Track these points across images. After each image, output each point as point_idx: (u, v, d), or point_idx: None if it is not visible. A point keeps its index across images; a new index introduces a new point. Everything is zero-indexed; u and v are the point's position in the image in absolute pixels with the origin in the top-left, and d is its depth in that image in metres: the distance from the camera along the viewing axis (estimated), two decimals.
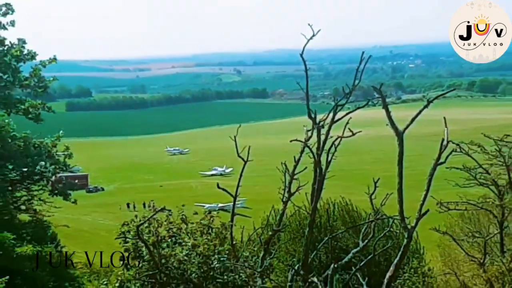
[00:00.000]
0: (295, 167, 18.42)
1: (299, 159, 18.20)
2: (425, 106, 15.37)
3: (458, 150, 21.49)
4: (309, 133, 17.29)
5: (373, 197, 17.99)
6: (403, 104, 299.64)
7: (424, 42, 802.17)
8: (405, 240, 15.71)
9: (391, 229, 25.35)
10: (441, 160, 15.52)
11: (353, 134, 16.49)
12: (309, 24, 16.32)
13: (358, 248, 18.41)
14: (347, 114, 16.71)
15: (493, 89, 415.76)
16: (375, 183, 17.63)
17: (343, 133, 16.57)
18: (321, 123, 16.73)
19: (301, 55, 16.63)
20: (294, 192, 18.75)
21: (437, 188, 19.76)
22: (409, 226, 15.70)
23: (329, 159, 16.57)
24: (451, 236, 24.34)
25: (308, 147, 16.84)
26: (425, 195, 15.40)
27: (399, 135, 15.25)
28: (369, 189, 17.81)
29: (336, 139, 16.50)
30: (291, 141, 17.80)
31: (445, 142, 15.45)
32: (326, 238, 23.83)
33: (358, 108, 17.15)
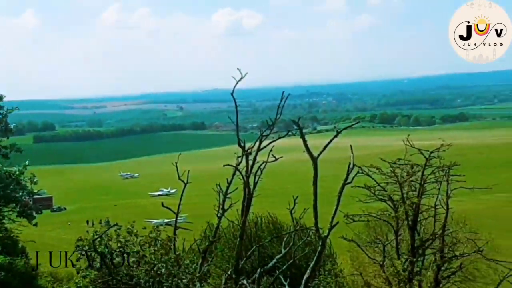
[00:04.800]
0: (227, 187, 18.44)
1: (231, 181, 18.22)
2: (335, 136, 15.63)
3: (361, 172, 21.76)
4: (239, 159, 17.35)
5: (293, 211, 18.11)
6: (318, 134, 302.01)
7: (334, 82, 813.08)
8: (320, 247, 15.87)
9: (309, 238, 25.59)
10: (348, 180, 15.75)
11: (276, 159, 16.62)
12: (238, 69, 16.46)
13: (281, 255, 18.48)
14: (270, 143, 16.84)
15: (391, 121, 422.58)
16: (295, 200, 17.77)
17: (267, 158, 16.68)
18: (249, 150, 16.82)
19: (232, 94, 16.75)
20: (227, 209, 18.77)
21: (347, 203, 19.97)
22: (323, 235, 15.87)
23: (256, 180, 16.66)
24: (356, 242, 24.64)
25: (239, 170, 16.88)
26: (336, 210, 15.62)
27: (314, 160, 15.45)
28: (289, 205, 17.93)
29: (262, 163, 16.60)
30: (224, 166, 17.84)
31: (351, 166, 15.71)
32: (254, 247, 23.84)
33: (280, 137, 17.31)
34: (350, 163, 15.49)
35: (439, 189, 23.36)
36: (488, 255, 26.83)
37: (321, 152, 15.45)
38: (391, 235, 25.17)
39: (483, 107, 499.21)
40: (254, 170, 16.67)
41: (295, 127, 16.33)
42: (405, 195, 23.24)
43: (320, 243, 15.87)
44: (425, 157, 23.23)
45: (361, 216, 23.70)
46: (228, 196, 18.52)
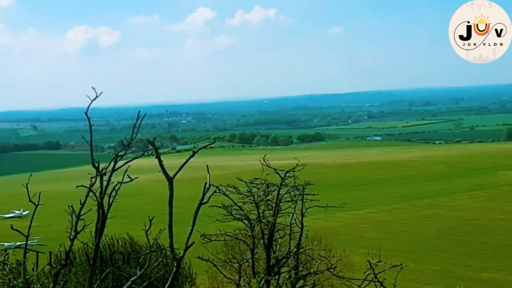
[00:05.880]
0: (81, 209, 18.00)
1: (84, 203, 17.79)
2: (191, 156, 15.65)
3: (219, 191, 21.85)
4: (94, 180, 16.98)
5: (149, 232, 17.93)
6: (178, 154, 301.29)
7: (194, 102, 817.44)
8: (174, 268, 15.82)
9: (165, 259, 25.43)
10: (205, 200, 15.82)
11: (131, 180, 16.41)
12: (92, 87, 16.16)
13: (136, 277, 18.24)
14: (126, 163, 16.62)
15: (250, 141, 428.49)
16: (151, 220, 17.61)
17: (122, 179, 16.44)
18: (103, 171, 16.52)
19: (86, 113, 16.41)
20: (80, 231, 18.30)
21: (205, 223, 20.01)
22: (178, 256, 15.83)
23: (110, 201, 16.37)
24: (212, 262, 24.73)
25: (92, 191, 16.53)
26: (191, 230, 15.62)
27: (170, 180, 15.41)
28: (145, 226, 17.76)
29: (117, 184, 16.35)
30: (77, 187, 17.42)
31: (207, 185, 15.79)
32: (108, 269, 23.43)
33: (136, 158, 17.11)
34: (206, 183, 15.57)
35: (294, 208, 23.90)
36: (343, 271, 27.81)
37: (177, 172, 15.44)
38: (249, 254, 25.46)
39: (338, 127, 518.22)
40: (108, 191, 16.37)
41: (151, 147, 16.23)
42: (261, 214, 23.59)
43: (176, 264, 15.82)
44: (280, 176, 23.73)
45: (217, 235, 23.78)
46: (81, 218, 18.08)
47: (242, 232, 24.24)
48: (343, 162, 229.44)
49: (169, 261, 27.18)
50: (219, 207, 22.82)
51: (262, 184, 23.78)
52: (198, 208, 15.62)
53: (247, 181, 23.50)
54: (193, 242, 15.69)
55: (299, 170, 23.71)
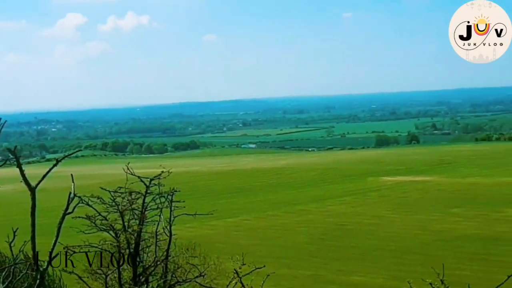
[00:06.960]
0: None
1: None
2: (54, 165, 15.51)
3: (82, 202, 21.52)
4: None
5: (13, 244, 17.59)
6: (47, 163, 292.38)
7: (64, 109, 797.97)
8: (38, 280, 15.68)
9: (29, 271, 24.84)
10: (69, 210, 15.73)
11: None
12: None
13: None
14: None
15: (123, 149, 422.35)
16: (14, 232, 17.31)
17: None
18: None
19: None
20: None
21: (73, 233, 19.83)
22: (41, 268, 15.70)
23: None
24: (77, 274, 24.01)
25: None
26: (55, 241, 15.47)
27: (32, 190, 15.24)
28: (8, 238, 17.46)
29: None
30: None
31: (72, 195, 15.70)
32: None
33: None
34: (70, 193, 15.51)
35: (160, 215, 23.84)
36: (217, 278, 28.22)
37: (39, 182, 15.28)
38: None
39: (213, 135, 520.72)
40: None
41: (11, 156, 15.98)
42: (126, 223, 23.40)
43: (39, 276, 15.67)
44: (145, 184, 23.65)
45: (82, 247, 23.32)
46: None
47: (107, 242, 23.96)
48: (218, 170, 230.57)
49: (35, 273, 26.65)
50: (83, 217, 22.42)
51: (126, 192, 23.57)
52: (62, 218, 15.51)
53: (110, 190, 23.25)
54: (57, 254, 15.59)
55: (165, 177, 23.69)
